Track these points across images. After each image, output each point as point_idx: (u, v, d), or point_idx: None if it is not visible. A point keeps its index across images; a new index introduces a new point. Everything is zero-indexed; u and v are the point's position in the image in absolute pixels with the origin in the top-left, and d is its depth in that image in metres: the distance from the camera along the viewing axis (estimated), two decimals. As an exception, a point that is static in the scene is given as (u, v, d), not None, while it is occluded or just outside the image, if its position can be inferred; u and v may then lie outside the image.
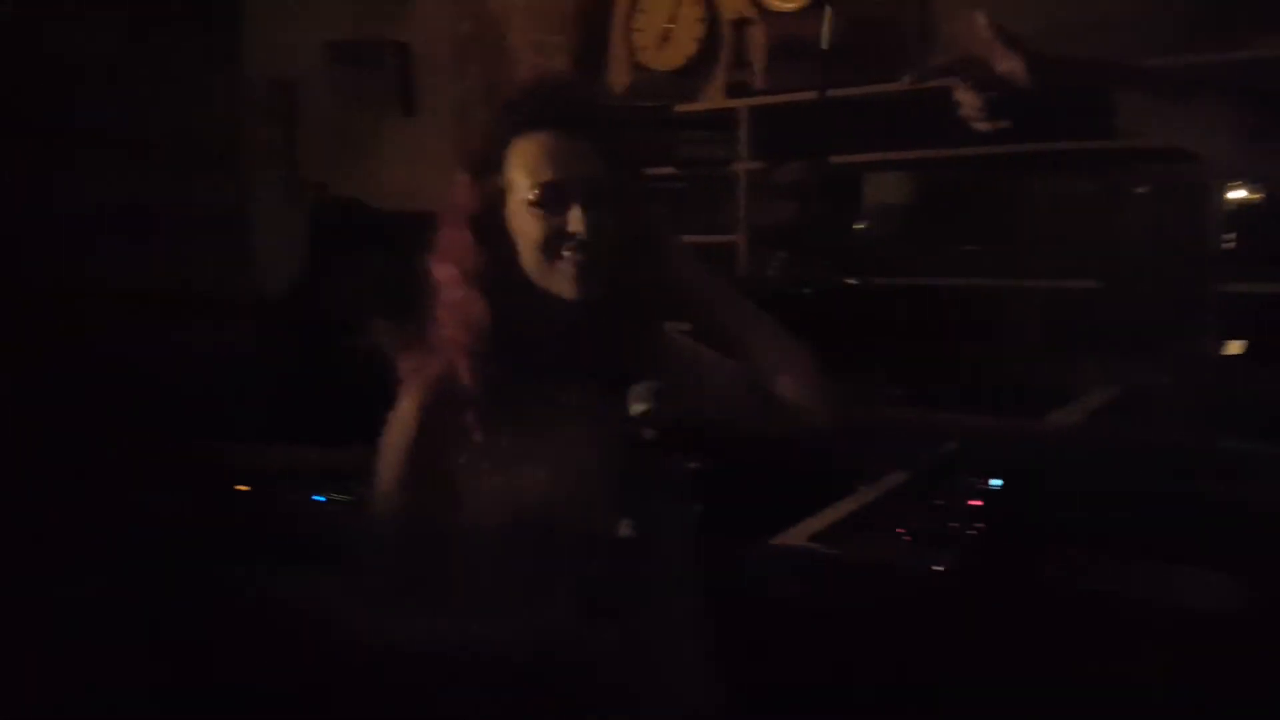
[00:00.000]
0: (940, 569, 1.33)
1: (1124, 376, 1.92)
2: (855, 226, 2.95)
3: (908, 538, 1.42)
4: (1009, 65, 1.11)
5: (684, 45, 3.38)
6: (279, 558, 1.95)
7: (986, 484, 1.57)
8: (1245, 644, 1.33)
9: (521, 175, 1.16)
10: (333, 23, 3.89)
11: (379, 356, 1.24)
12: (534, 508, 1.06)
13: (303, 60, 3.93)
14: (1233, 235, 2.06)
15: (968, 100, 1.16)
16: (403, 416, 1.17)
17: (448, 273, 1.17)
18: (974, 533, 1.42)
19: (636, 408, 0.98)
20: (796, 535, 1.45)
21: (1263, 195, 1.95)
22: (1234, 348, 2.18)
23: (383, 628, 1.12)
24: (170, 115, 3.83)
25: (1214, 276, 2.09)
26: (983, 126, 1.18)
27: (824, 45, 1.53)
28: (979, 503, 1.53)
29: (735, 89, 3.18)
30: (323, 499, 1.84)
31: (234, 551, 1.98)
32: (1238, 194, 2.14)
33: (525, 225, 1.15)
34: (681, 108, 3.22)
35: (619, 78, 3.52)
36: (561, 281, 1.13)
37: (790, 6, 3.13)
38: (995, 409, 2.04)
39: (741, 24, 3.19)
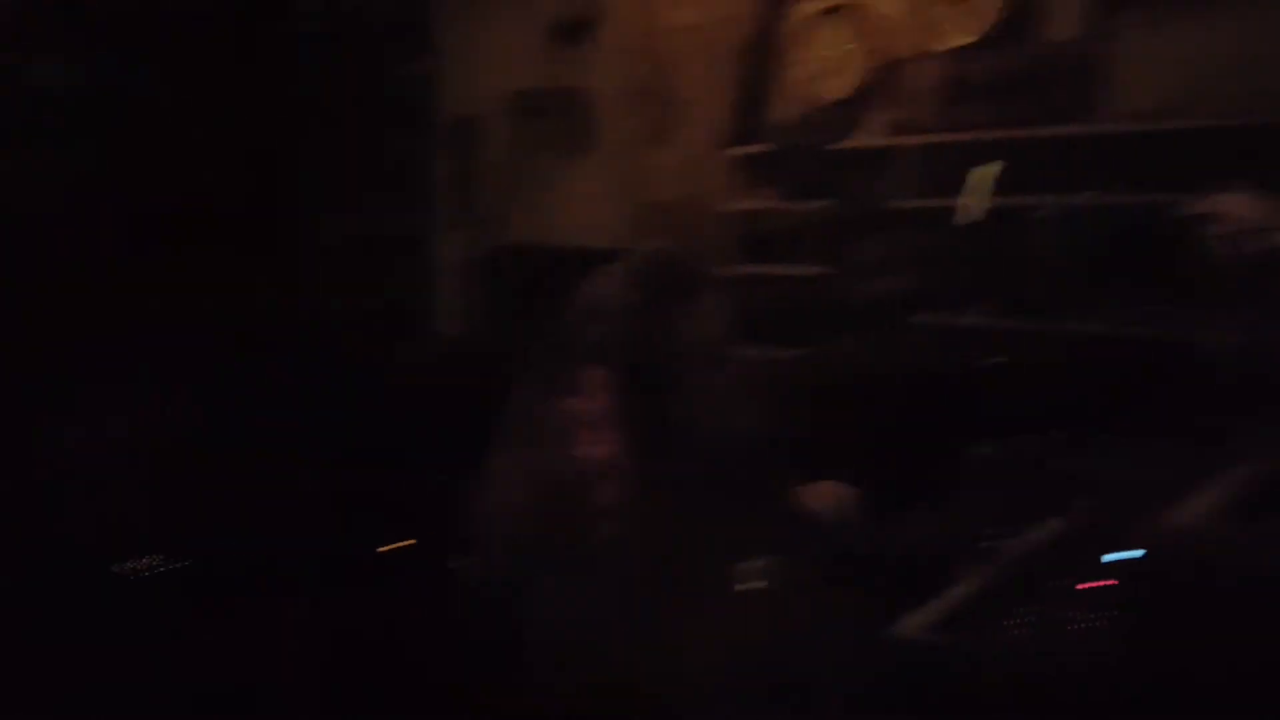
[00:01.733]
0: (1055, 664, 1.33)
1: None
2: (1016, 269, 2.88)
3: (1015, 631, 1.40)
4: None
5: (848, 79, 3.38)
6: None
7: (1123, 565, 1.53)
8: None
9: None
10: (515, 65, 4.09)
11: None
12: None
13: (488, 102, 4.15)
14: None
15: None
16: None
17: None
18: (1100, 626, 1.40)
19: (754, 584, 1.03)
20: (911, 625, 1.45)
21: None
22: None
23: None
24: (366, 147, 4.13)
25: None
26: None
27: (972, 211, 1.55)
28: (1113, 582, 1.49)
29: (902, 125, 3.16)
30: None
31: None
32: None
33: None
34: (842, 144, 3.23)
35: (782, 112, 3.55)
36: None
37: (960, 42, 3.09)
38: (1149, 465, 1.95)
39: (905, 61, 3.16)
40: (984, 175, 1.60)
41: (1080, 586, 1.53)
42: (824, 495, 1.76)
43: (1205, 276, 2.43)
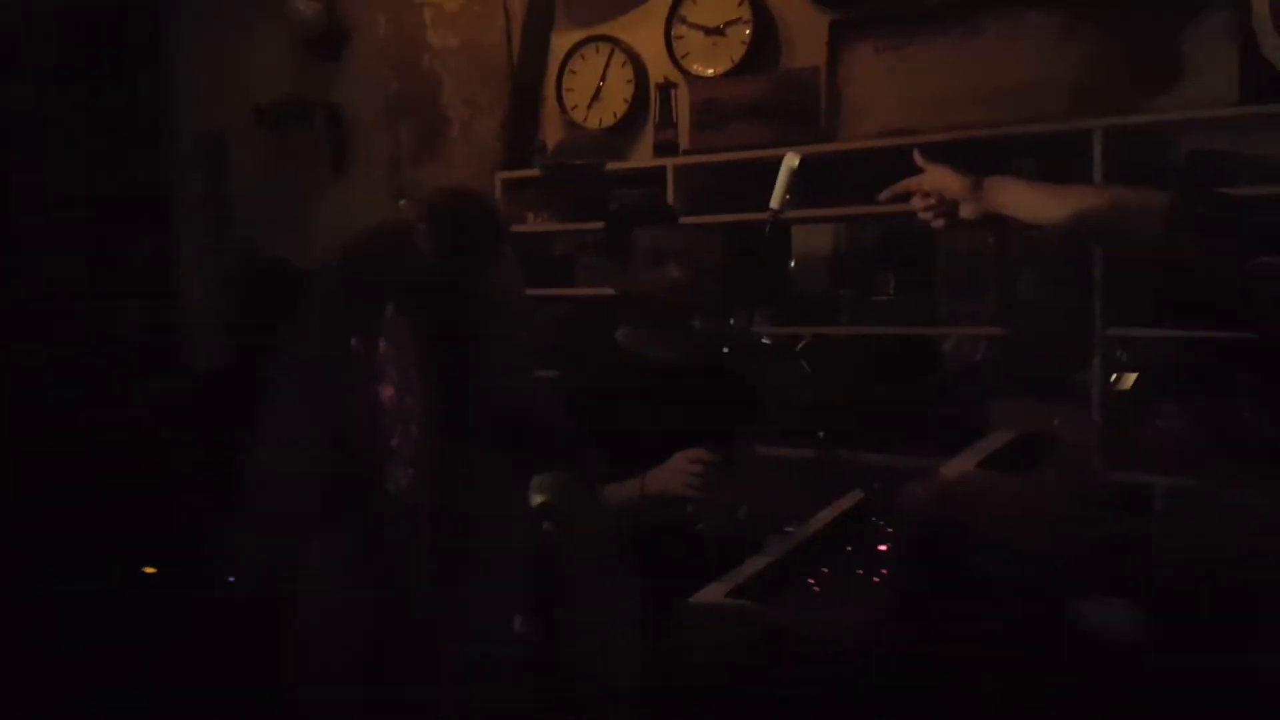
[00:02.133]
0: (848, 616, 1.40)
1: (1029, 419, 2.03)
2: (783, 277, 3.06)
3: (816, 589, 1.48)
4: (964, 209, 1.32)
5: (615, 105, 3.49)
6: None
7: (894, 530, 1.64)
8: (1151, 672, 1.41)
9: None
10: (263, 79, 3.94)
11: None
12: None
13: (232, 115, 3.96)
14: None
15: (924, 213, 1.38)
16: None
17: None
18: (878, 580, 1.49)
19: (537, 498, 1.01)
20: (713, 592, 1.50)
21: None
22: (1125, 383, 2.32)
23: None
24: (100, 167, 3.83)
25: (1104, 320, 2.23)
26: (935, 224, 1.40)
27: (774, 204, 1.65)
28: (887, 548, 1.61)
29: (663, 148, 3.29)
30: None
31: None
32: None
33: None
34: (612, 166, 3.32)
35: (552, 136, 3.62)
36: None
37: (710, 72, 3.28)
38: (912, 453, 2.13)
39: (669, 86, 3.31)
40: (787, 170, 1.69)
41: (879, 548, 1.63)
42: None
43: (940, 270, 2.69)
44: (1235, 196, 1.28)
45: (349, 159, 3.84)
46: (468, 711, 1.03)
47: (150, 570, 2.09)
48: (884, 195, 1.52)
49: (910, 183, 1.48)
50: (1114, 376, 2.49)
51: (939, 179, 1.44)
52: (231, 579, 1.73)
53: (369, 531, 1.09)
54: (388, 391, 1.07)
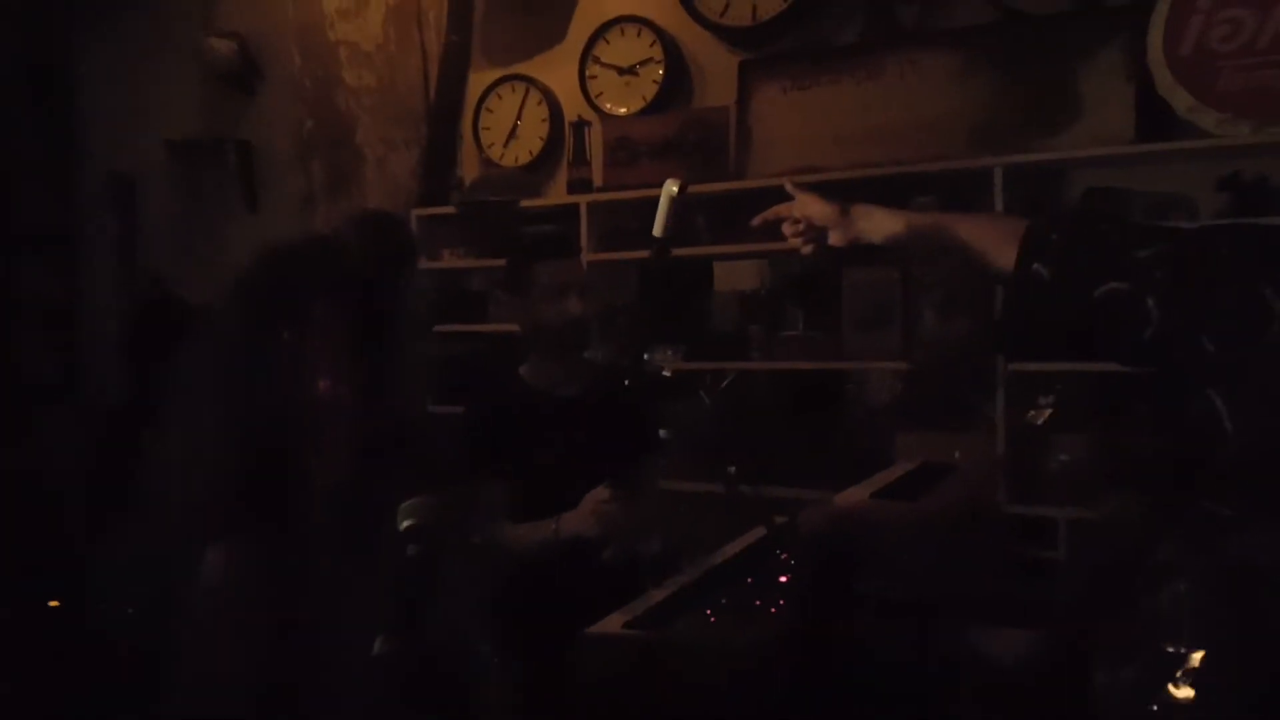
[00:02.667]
0: (743, 644, 1.39)
1: (931, 451, 2.06)
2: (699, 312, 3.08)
3: (713, 618, 1.47)
4: (833, 235, 1.33)
5: (530, 143, 3.50)
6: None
7: (793, 560, 1.64)
8: (1043, 700, 1.42)
9: None
10: (176, 117, 3.88)
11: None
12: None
13: (144, 155, 3.89)
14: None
15: (793, 239, 1.40)
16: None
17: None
18: (775, 610, 1.48)
19: (405, 522, 0.99)
20: (611, 623, 1.48)
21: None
22: (1040, 418, 2.36)
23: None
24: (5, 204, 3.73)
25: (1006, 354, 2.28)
26: (804, 250, 1.41)
27: (657, 232, 1.67)
28: (786, 579, 1.60)
29: (577, 185, 3.30)
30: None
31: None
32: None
33: None
34: (526, 203, 3.32)
35: (468, 173, 3.61)
36: None
37: (624, 110, 3.31)
38: (826, 483, 2.13)
39: (583, 124, 3.32)
40: (667, 196, 1.70)
41: (779, 579, 1.62)
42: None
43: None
44: (1095, 222, 1.30)
45: (262, 196, 3.78)
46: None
47: (54, 604, 2.02)
48: (755, 221, 1.53)
49: (780, 209, 1.50)
50: (1030, 412, 2.53)
51: (807, 206, 1.45)
52: (130, 610, 1.67)
53: (270, 535, 1.07)
54: (302, 390, 1.07)
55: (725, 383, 3.05)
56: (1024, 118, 2.73)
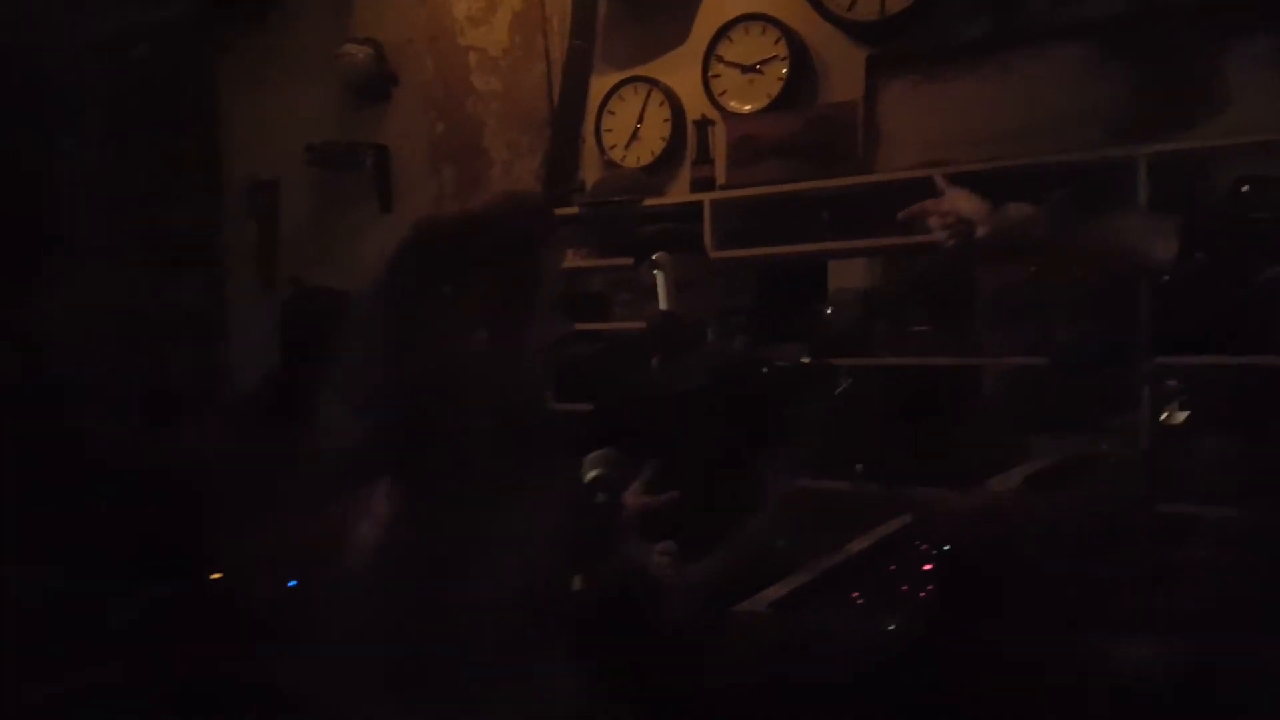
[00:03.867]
0: (891, 629, 1.39)
1: (1072, 448, 2.02)
2: (818, 310, 3.08)
3: (860, 601, 1.48)
4: (980, 230, 1.33)
5: (653, 144, 3.55)
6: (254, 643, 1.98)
7: (938, 550, 1.63)
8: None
9: None
10: (314, 125, 4.06)
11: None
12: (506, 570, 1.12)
13: (284, 160, 4.08)
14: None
15: (940, 234, 1.41)
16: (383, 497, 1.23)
17: None
18: (924, 595, 1.48)
19: (591, 472, 1.06)
20: (756, 603, 1.50)
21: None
22: (1176, 419, 2.29)
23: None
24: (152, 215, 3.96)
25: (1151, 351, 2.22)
26: (948, 244, 1.42)
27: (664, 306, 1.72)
28: (930, 566, 1.60)
29: (700, 184, 3.34)
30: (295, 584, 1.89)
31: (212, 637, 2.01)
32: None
33: None
34: (650, 202, 3.37)
35: (590, 176, 3.69)
36: None
37: (749, 108, 3.33)
38: (953, 482, 2.11)
39: (706, 123, 3.36)
40: (661, 273, 1.75)
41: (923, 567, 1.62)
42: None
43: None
44: (1253, 209, 1.27)
45: (396, 199, 3.93)
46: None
47: (215, 577, 2.16)
48: (901, 215, 1.54)
49: (928, 204, 1.50)
50: (1165, 413, 2.46)
51: (957, 201, 1.46)
52: (292, 584, 1.78)
53: (428, 483, 1.15)
54: (456, 347, 1.15)
55: (848, 381, 3.03)
56: (1163, 110, 2.65)
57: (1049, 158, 2.68)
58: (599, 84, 3.69)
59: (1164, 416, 2.42)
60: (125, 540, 2.39)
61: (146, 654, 1.98)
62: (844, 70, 3.19)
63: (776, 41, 3.27)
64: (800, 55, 3.26)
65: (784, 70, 3.27)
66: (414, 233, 1.35)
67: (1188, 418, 2.29)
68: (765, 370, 2.01)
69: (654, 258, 1.73)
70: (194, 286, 4.10)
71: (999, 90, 2.87)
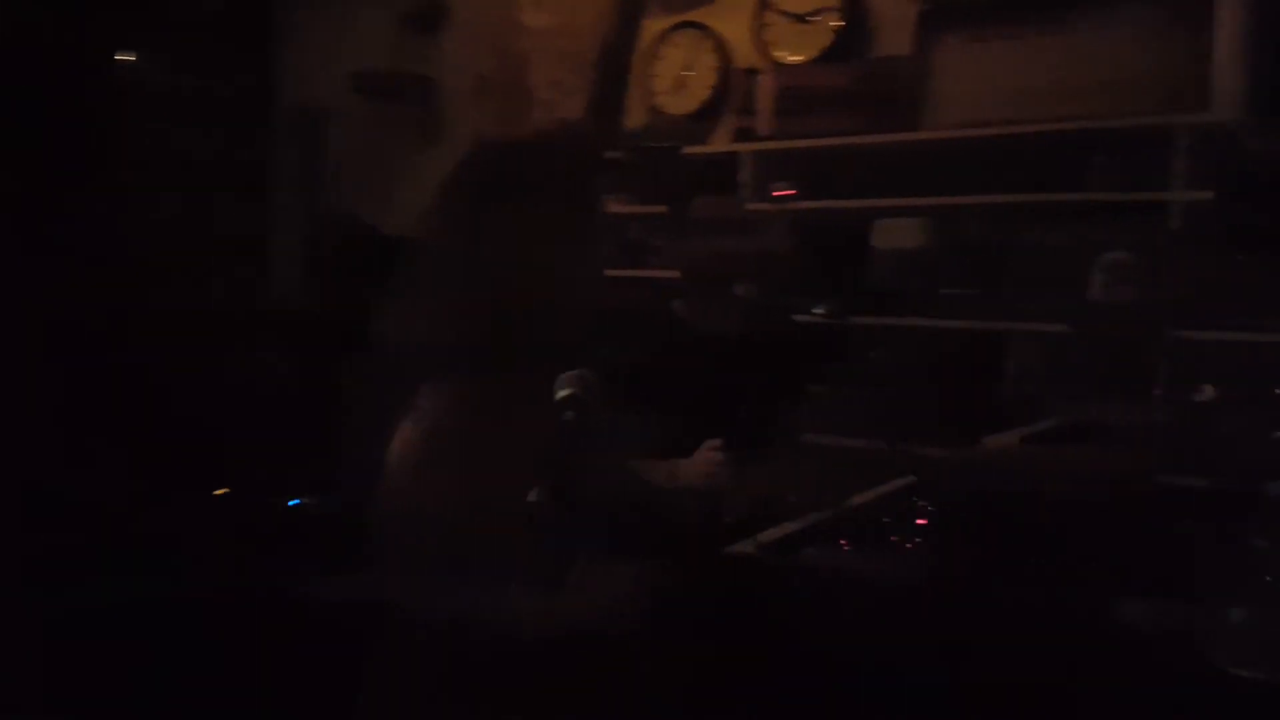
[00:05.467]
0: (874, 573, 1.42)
1: (1090, 414, 2.00)
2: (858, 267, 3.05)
3: (846, 547, 1.50)
4: None
5: (698, 92, 3.53)
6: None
7: (933, 507, 1.65)
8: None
9: None
10: (364, 55, 4.08)
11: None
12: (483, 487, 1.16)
13: (332, 89, 4.11)
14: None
15: None
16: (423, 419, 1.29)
17: None
18: (911, 545, 1.50)
19: (563, 391, 1.08)
20: (747, 545, 1.53)
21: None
22: (1199, 393, 2.26)
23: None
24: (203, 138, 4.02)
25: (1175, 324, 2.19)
26: None
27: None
28: (924, 521, 1.61)
29: (743, 134, 3.31)
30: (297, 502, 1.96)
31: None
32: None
33: None
34: (691, 150, 3.36)
35: (635, 120, 3.67)
36: None
37: (798, 59, 3.28)
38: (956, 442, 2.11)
39: (752, 73, 3.33)
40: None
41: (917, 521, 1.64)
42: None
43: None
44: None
45: (442, 132, 3.95)
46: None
47: (220, 492, 2.24)
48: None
49: None
50: (1192, 388, 2.41)
51: None
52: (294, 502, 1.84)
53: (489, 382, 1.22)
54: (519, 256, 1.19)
55: (880, 342, 3.01)
56: (1209, 81, 2.57)
57: (1093, 122, 2.62)
58: (649, 28, 3.65)
59: (1194, 393, 2.38)
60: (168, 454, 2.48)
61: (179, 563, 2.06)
62: (897, 23, 3.13)
63: (830, -9, 3.22)
64: (853, 6, 3.20)
65: (837, 20, 3.21)
66: (471, 154, 1.40)
67: (1211, 393, 2.25)
68: (794, 323, 2.00)
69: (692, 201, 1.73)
70: (239, 212, 4.16)
71: (1054, 50, 2.80)
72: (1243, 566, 1.46)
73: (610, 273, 3.39)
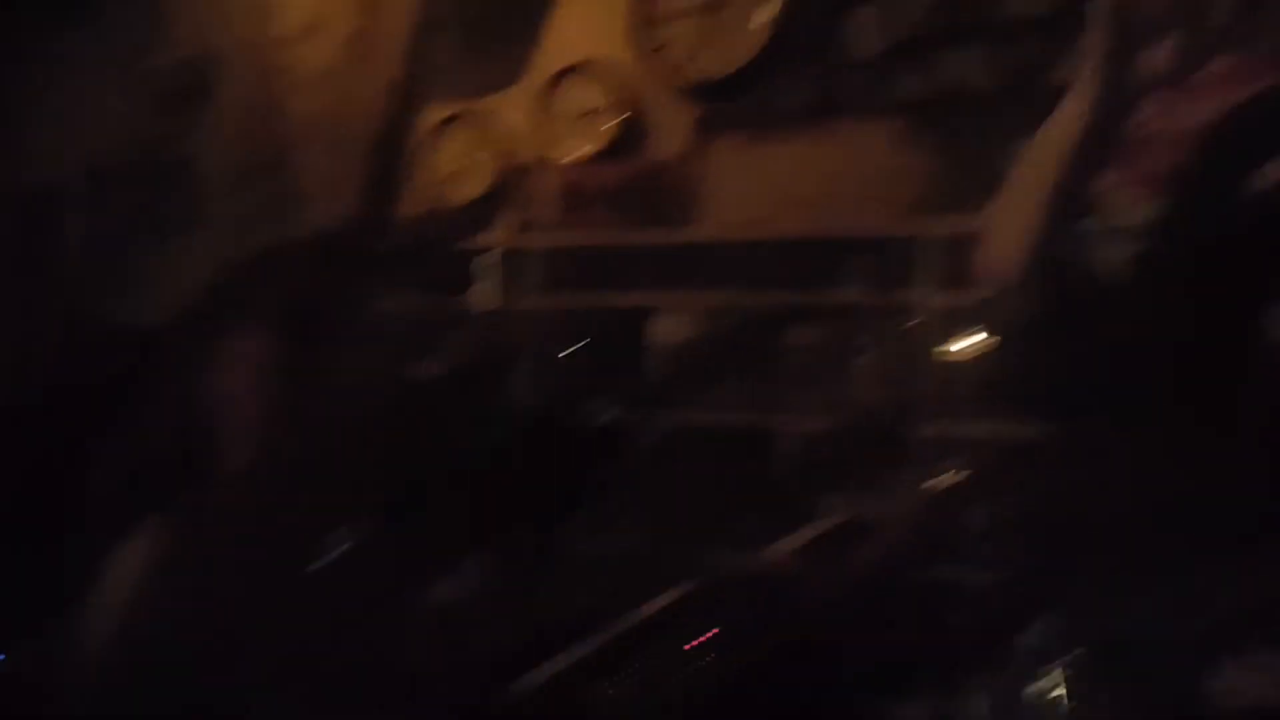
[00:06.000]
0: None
1: (851, 510, 2.07)
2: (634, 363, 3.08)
3: (636, 671, 1.45)
4: None
5: (476, 184, 3.49)
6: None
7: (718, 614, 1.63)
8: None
9: None
10: (109, 134, 3.80)
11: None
12: None
13: (75, 172, 3.80)
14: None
15: None
16: None
17: None
18: (708, 660, 1.47)
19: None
20: (525, 682, 1.45)
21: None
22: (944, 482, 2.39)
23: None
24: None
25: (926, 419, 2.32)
26: None
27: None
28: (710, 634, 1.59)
29: (519, 228, 3.30)
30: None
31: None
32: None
33: None
34: (468, 243, 3.31)
35: (410, 210, 3.58)
36: None
37: (576, 155, 3.32)
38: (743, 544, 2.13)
39: (528, 169, 3.34)
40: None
41: (687, 646, 1.61)
42: None
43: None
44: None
45: (202, 217, 3.70)
46: None
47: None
48: None
49: None
50: (936, 476, 2.55)
51: None
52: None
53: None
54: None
55: (652, 439, 3.03)
56: (960, 190, 2.79)
57: (850, 229, 2.79)
58: (425, 117, 3.60)
59: (934, 479, 2.52)
60: None
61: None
62: (674, 126, 3.23)
63: (606, 92, 3.29)
64: (630, 108, 3.28)
65: (614, 121, 3.28)
66: (221, 273, 1.31)
67: (957, 484, 2.39)
68: (570, 424, 1.97)
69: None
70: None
71: (816, 158, 2.97)
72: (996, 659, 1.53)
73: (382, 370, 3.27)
